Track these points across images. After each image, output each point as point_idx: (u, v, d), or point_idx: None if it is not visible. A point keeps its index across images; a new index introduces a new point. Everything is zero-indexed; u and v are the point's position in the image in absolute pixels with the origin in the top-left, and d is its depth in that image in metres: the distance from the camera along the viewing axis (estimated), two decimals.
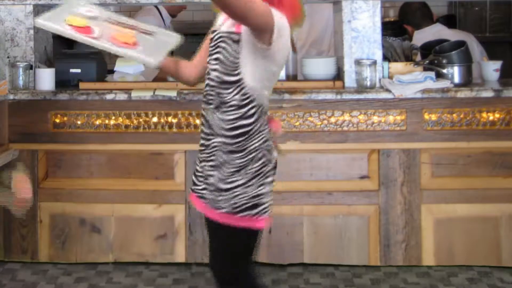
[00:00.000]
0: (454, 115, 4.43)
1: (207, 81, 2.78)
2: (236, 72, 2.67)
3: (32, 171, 4.57)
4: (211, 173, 2.80)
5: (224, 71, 2.69)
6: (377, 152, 4.48)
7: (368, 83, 4.44)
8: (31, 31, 4.67)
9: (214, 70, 2.72)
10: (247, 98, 2.69)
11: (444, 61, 4.50)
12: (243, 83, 2.68)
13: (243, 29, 2.64)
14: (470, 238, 4.48)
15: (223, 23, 2.77)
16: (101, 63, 4.85)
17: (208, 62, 2.78)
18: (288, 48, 2.73)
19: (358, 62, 4.48)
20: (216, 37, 2.75)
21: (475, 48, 5.24)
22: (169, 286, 4.29)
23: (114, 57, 5.25)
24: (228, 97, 2.70)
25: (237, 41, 2.66)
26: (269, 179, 2.77)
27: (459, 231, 4.48)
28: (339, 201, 4.51)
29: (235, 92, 2.69)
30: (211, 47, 2.76)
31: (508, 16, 7.45)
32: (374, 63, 4.45)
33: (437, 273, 4.41)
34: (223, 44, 2.70)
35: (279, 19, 2.64)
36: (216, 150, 2.76)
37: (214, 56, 2.72)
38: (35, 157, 4.58)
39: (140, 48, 2.79)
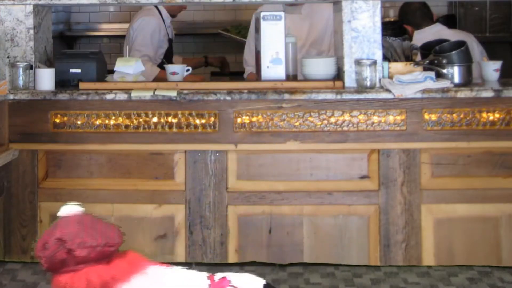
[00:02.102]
0: (454, 115, 4.43)
1: None
2: None
3: (32, 171, 4.57)
4: None
5: None
6: (377, 152, 4.48)
7: (368, 83, 4.44)
8: (31, 31, 4.67)
9: None
10: None
11: (444, 61, 4.50)
12: None
13: None
14: (470, 238, 4.48)
15: None
16: (101, 63, 4.85)
17: None
18: None
19: (358, 62, 4.47)
20: None
21: (475, 48, 5.24)
22: None
23: (114, 57, 5.27)
24: None
25: None
26: None
27: (459, 231, 4.48)
28: (339, 201, 4.51)
29: None
30: None
31: (508, 16, 7.45)
32: (374, 63, 4.45)
33: (437, 273, 4.41)
34: None
35: None
36: None
37: None
38: (35, 157, 4.58)
39: None
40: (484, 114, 4.43)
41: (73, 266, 2.57)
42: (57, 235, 2.56)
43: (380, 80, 4.48)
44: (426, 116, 4.43)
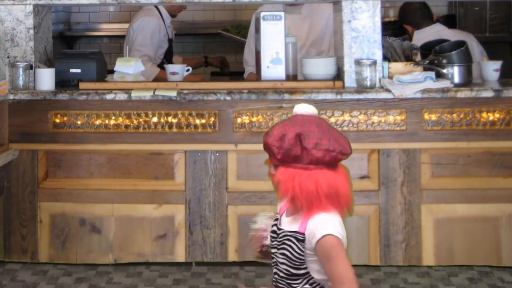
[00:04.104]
0: (454, 115, 4.43)
1: (275, 270, 2.81)
2: (303, 266, 2.70)
3: (32, 171, 4.57)
4: None
5: (292, 265, 2.72)
6: (377, 152, 4.48)
7: (368, 83, 4.44)
8: (31, 31, 4.67)
9: (282, 263, 2.76)
10: (317, 285, 2.72)
11: (444, 61, 4.50)
12: (311, 275, 2.71)
13: (307, 229, 2.68)
14: (470, 238, 4.48)
15: (284, 220, 2.78)
16: (101, 63, 4.85)
17: (274, 254, 2.81)
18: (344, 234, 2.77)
19: (358, 62, 4.47)
20: (281, 234, 2.77)
21: (475, 48, 5.24)
22: (169, 286, 4.29)
23: (114, 57, 5.27)
24: (298, 287, 2.73)
25: (302, 240, 2.69)
26: None
27: (459, 231, 4.48)
28: None
29: (304, 282, 2.73)
30: (277, 242, 2.78)
31: (508, 16, 7.45)
32: (374, 63, 4.45)
33: (437, 273, 4.41)
34: (288, 242, 2.73)
35: (338, 227, 2.73)
36: None
37: (281, 251, 2.75)
38: (35, 157, 4.58)
39: None
40: (484, 114, 4.43)
41: (305, 164, 2.62)
42: (297, 131, 2.62)
43: (380, 80, 4.48)
44: (426, 116, 4.43)
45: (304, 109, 2.71)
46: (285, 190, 2.66)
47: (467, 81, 4.53)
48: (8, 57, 4.66)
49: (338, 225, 2.71)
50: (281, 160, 2.65)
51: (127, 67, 4.71)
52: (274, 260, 2.80)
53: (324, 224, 2.67)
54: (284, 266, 2.74)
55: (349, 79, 4.53)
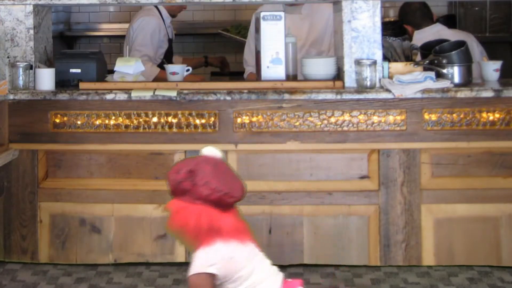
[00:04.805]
0: (454, 115, 4.43)
1: None
2: None
3: (32, 171, 4.57)
4: None
5: None
6: (377, 152, 4.48)
7: (368, 83, 4.44)
8: (31, 31, 4.67)
9: None
10: None
11: (444, 61, 4.50)
12: None
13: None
14: (470, 238, 4.48)
15: None
16: (101, 63, 4.85)
17: None
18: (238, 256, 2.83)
19: (358, 62, 4.48)
20: None
21: (475, 48, 5.24)
22: (169, 286, 4.29)
23: (114, 57, 5.27)
24: None
25: None
26: None
27: (459, 231, 4.48)
28: (339, 201, 4.51)
29: None
30: None
31: (508, 16, 7.45)
32: (374, 63, 4.45)
33: (437, 273, 4.41)
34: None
35: (209, 261, 2.83)
36: None
37: None
38: (35, 157, 4.58)
39: None
40: (484, 114, 4.43)
41: (192, 199, 2.82)
42: (191, 167, 2.80)
43: (380, 80, 4.48)
44: (426, 116, 4.43)
45: (208, 151, 2.88)
46: (171, 222, 2.90)
47: (467, 81, 4.53)
48: (8, 57, 4.66)
49: (210, 258, 2.82)
50: (173, 192, 2.89)
51: (127, 67, 4.71)
52: None
53: (194, 262, 2.86)
54: None
55: (349, 79, 4.53)
